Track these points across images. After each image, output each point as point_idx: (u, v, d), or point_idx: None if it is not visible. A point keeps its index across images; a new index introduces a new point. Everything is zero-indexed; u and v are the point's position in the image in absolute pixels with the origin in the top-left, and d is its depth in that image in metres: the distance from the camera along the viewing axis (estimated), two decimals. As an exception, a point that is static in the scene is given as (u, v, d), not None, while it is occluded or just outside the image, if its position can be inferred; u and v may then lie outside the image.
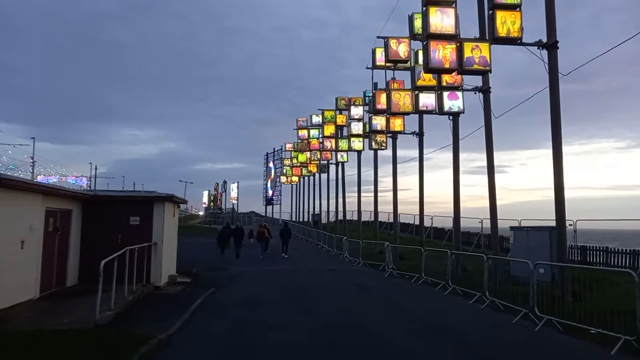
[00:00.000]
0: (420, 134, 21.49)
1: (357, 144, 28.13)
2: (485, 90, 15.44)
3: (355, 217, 41.92)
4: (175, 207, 17.62)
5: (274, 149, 68.89)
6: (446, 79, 15.94)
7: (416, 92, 17.72)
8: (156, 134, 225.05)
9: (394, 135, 23.75)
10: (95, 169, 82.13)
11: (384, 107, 17.74)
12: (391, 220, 42.26)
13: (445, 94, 16.19)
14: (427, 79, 15.85)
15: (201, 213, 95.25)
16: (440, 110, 16.35)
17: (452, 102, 16.29)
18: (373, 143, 21.98)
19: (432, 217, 37.22)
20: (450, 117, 18.21)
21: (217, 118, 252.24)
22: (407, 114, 16.98)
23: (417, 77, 15.85)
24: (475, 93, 15.86)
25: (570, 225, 21.03)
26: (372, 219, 41.63)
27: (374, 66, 17.56)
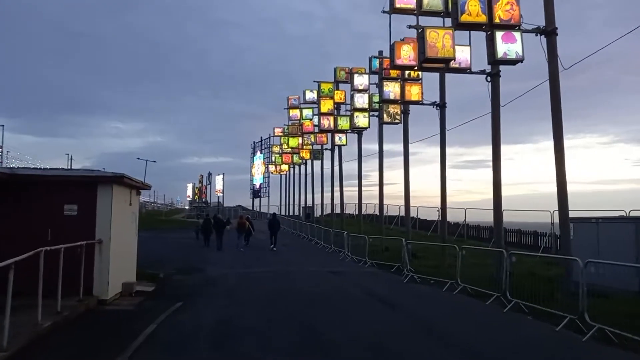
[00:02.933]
0: (441, 105, 17.49)
1: (361, 120, 23.73)
2: (550, 31, 11.49)
3: (349, 211, 38.10)
4: (133, 193, 13.39)
5: (261, 137, 64.44)
6: (499, 14, 11.92)
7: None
8: (141, 127, 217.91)
9: (405, 109, 19.74)
10: (71, 159, 77.16)
11: (408, 62, 13.60)
12: (391, 213, 38.61)
13: (499, 35, 12.13)
14: (474, 12, 11.78)
15: (187, 207, 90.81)
16: (492, 57, 12.32)
17: (507, 47, 12.22)
18: (385, 115, 17.82)
19: (439, 210, 33.60)
20: (488, 78, 14.24)
21: (202, 112, 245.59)
22: (447, 61, 12.88)
23: (460, 11, 11.77)
24: (536, 35, 11.88)
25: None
26: (367, 212, 37.82)
27: (392, 9, 13.49)
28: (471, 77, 14.48)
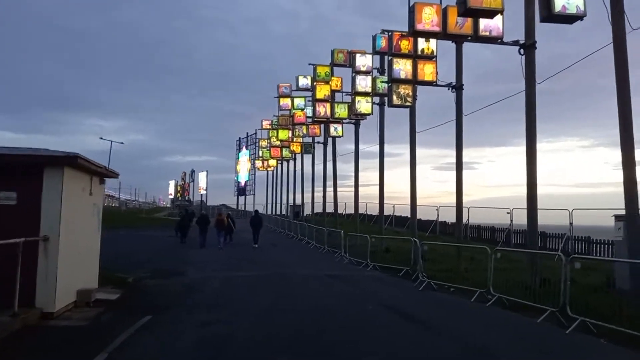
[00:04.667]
0: (458, 87, 15.27)
1: (363, 105, 21.17)
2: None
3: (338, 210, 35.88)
4: (95, 181, 10.92)
5: (247, 133, 61.76)
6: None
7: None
8: (123, 125, 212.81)
9: (413, 94, 17.48)
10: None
11: (430, 27, 11.16)
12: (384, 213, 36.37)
13: (555, -18, 9.98)
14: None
15: (169, 205, 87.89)
16: (548, 11, 10.11)
17: (566, -1, 10.03)
18: (394, 97, 15.43)
19: (438, 208, 31.60)
20: (522, 51, 12.11)
21: (186, 110, 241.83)
22: (494, 13, 10.62)
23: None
24: (598, -14, 9.77)
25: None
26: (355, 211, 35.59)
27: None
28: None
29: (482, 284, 11.24)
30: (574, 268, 8.70)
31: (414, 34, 12.53)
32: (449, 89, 15.44)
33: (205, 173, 72.18)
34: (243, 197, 63.37)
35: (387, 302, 10.55)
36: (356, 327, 8.14)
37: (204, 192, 71.92)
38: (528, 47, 11.93)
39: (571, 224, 19.72)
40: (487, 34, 11.88)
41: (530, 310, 9.22)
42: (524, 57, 12.04)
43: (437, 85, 15.39)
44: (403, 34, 14.31)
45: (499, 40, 12.16)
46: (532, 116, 11.97)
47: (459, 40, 12.92)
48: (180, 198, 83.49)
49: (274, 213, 49.88)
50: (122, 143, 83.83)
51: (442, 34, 12.03)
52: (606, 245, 19.18)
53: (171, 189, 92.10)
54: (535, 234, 12.20)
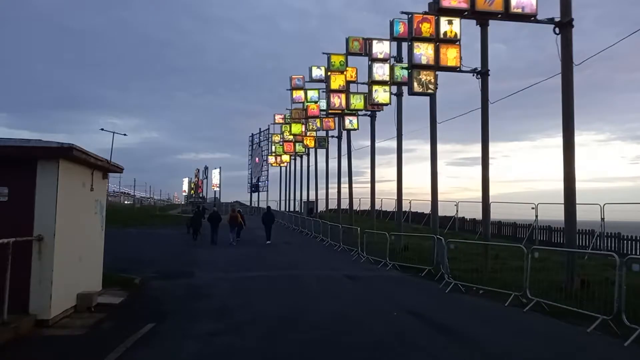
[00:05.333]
0: (484, 73, 14.23)
1: (380, 94, 20.01)
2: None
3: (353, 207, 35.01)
4: (96, 176, 10.16)
5: (259, 129, 61.02)
6: None
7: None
8: (136, 124, 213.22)
9: (435, 82, 16.41)
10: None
11: (457, 4, 10.18)
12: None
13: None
14: None
15: (183, 202, 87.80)
16: None
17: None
18: (415, 84, 14.30)
19: (457, 204, 30.51)
20: (557, 30, 11.07)
21: (198, 108, 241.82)
22: None
23: None
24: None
25: None
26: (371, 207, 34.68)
27: None
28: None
29: (514, 285, 10.29)
30: (630, 270, 7.67)
31: (439, 11, 11.48)
32: (473, 75, 14.42)
33: (218, 170, 71.63)
34: (257, 193, 62.79)
35: (413, 307, 9.58)
36: (383, 345, 7.15)
37: (218, 189, 71.41)
38: (564, 26, 10.87)
39: (602, 219, 18.58)
40: (520, 10, 10.85)
41: (575, 317, 8.24)
42: (559, 37, 11.00)
43: (460, 71, 14.32)
44: (425, 13, 13.27)
45: (532, 18, 11.13)
46: (570, 102, 10.92)
47: (488, 18, 11.87)
48: (194, 195, 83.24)
49: (287, 210, 49.11)
50: (125, 135, 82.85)
51: (470, 12, 11.03)
52: (638, 242, 18.05)
53: (185, 186, 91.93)
54: (573, 231, 11.16)
